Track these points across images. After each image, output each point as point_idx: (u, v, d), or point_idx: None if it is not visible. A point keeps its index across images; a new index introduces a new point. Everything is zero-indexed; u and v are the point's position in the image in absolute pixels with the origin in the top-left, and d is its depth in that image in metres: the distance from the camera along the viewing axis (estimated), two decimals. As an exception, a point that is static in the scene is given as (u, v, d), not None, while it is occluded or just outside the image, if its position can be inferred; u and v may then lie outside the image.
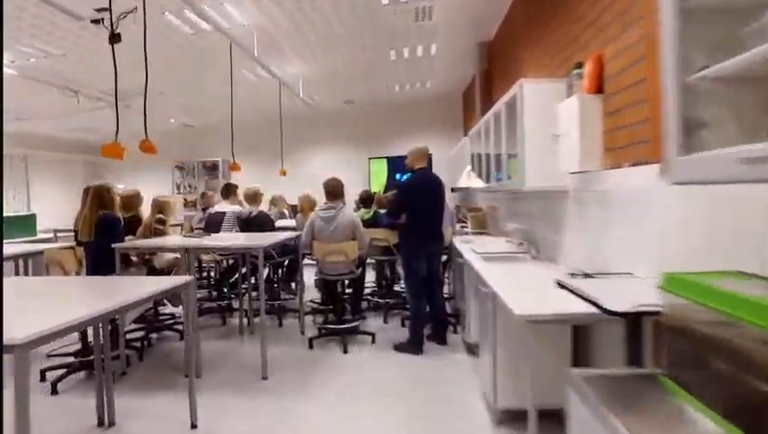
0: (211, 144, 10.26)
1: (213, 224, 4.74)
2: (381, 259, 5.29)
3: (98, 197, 3.79)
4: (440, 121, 9.27)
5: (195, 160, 10.48)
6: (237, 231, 5.23)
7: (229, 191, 5.47)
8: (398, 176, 9.40)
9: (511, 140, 3.44)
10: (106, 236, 3.70)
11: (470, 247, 4.17)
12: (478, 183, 5.30)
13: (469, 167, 5.69)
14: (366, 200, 5.39)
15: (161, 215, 4.57)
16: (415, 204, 4.10)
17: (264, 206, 6.11)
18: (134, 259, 4.06)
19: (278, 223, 6.21)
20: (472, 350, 4.02)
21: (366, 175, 9.61)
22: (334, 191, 4.39)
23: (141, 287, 2.54)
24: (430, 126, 9.19)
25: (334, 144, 10.03)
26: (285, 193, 7.38)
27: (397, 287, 6.00)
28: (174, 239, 4.07)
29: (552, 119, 2.90)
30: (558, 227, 3.24)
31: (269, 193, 7.17)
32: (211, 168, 10.23)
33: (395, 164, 9.42)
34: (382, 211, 5.53)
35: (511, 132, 3.44)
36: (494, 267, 3.14)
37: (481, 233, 6.04)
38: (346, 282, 4.61)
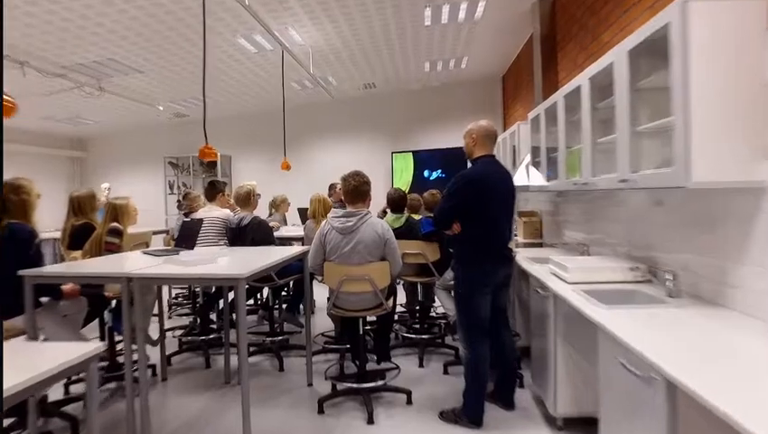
0: (210, 137, 9.01)
1: (187, 236, 3.42)
2: (416, 280, 4.00)
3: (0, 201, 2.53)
4: (476, 110, 7.91)
5: (191, 155, 9.25)
6: (225, 244, 3.97)
7: (213, 191, 4.14)
8: (426, 173, 8.10)
9: (640, 109, 2.14)
10: (10, 258, 2.44)
11: (549, 270, 2.86)
12: (540, 180, 4.01)
13: (528, 158, 4.36)
14: (396, 201, 4.03)
15: (116, 224, 3.31)
16: (480, 209, 2.71)
17: (263, 211, 4.85)
18: (66, 288, 2.78)
19: (281, 233, 4.96)
20: (554, 422, 2.73)
21: (388, 173, 8.31)
22: (356, 191, 3.04)
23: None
24: (464, 115, 7.79)
25: (352, 135, 8.73)
26: (291, 195, 6.12)
27: (432, 312, 4.71)
28: (120, 261, 2.80)
29: (746, 64, 1.71)
30: (733, 249, 1.92)
31: (272, 195, 5.96)
32: (210, 165, 8.97)
33: (422, 159, 8.17)
34: (416, 216, 4.23)
35: (639, 96, 2.15)
36: (622, 316, 1.89)
37: (535, 245, 4.81)
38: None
